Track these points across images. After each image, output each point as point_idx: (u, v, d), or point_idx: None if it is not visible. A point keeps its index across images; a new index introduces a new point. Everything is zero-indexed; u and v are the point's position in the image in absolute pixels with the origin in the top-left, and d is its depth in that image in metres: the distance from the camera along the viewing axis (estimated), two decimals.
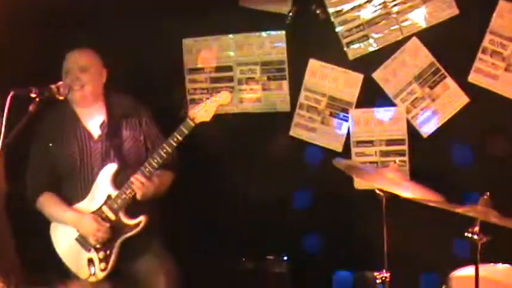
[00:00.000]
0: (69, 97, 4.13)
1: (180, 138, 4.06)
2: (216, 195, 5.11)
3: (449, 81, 4.75)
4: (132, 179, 4.09)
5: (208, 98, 4.19)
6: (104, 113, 4.23)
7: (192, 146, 4.27)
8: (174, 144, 4.09)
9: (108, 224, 4.10)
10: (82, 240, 4.17)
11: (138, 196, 4.10)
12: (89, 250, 4.17)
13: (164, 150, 4.04)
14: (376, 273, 4.07)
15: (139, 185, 4.08)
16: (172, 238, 4.49)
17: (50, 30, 4.78)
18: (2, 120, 3.12)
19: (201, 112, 4.11)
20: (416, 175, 4.78)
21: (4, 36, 4.53)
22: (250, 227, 5.06)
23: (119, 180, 4.25)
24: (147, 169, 4.07)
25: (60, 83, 3.80)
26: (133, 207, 4.21)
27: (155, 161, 4.09)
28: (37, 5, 4.50)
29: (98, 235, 4.09)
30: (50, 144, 4.28)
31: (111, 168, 4.23)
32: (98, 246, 4.17)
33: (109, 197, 4.18)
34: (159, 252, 4.34)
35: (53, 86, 3.70)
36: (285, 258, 4.87)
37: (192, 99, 5.28)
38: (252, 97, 5.13)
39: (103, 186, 4.22)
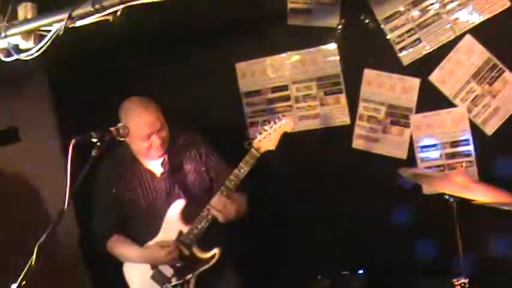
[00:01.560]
0: (143, 153, 4.16)
1: (246, 169, 4.05)
2: (284, 215, 5.10)
3: (508, 75, 4.68)
4: (211, 203, 4.08)
5: (271, 126, 4.15)
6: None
7: (259, 167, 4.22)
8: (242, 175, 4.05)
9: (175, 245, 4.10)
10: (158, 277, 4.20)
11: (221, 219, 4.11)
12: (166, 287, 4.18)
13: (232, 183, 4.04)
14: (454, 280, 3.99)
15: (221, 207, 4.03)
16: (246, 262, 4.47)
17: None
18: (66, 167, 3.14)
19: (266, 141, 4.11)
20: (485, 175, 4.67)
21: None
22: (322, 244, 5.01)
23: (187, 215, 4.26)
24: (224, 192, 4.04)
25: (120, 124, 3.82)
26: (206, 240, 4.19)
27: (229, 185, 4.07)
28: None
29: (169, 258, 4.11)
30: (113, 190, 4.29)
31: (179, 204, 4.26)
32: (174, 282, 4.17)
33: (180, 233, 4.20)
34: (234, 281, 4.34)
35: (112, 129, 3.72)
36: (361, 271, 4.81)
37: (251, 122, 5.25)
38: (311, 113, 5.06)
39: (173, 223, 4.27)
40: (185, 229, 4.22)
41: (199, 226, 4.16)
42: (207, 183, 4.24)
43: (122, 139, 3.79)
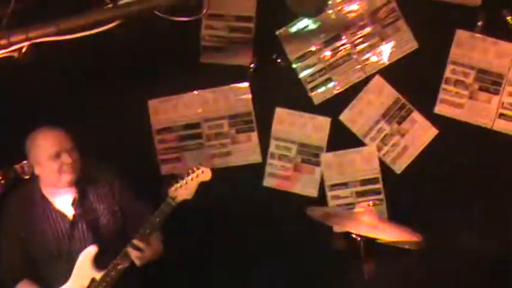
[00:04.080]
0: (50, 180, 3.96)
1: (162, 218, 3.94)
2: (194, 254, 5.01)
3: (416, 115, 4.75)
4: (127, 249, 3.90)
5: (188, 174, 4.04)
6: (73, 189, 3.89)
7: None
8: (157, 224, 3.94)
9: None
10: None
11: (138, 263, 3.92)
12: None
13: (148, 231, 3.92)
14: None
15: (137, 253, 3.89)
16: None
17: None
18: None
19: (182, 190, 4.01)
20: (394, 213, 4.72)
21: None
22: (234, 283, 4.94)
23: (100, 261, 4.05)
24: (139, 238, 3.91)
25: (24, 162, 3.67)
26: (120, 286, 4.00)
27: (145, 233, 3.93)
28: None
29: None
30: (22, 234, 4.07)
31: (90, 251, 4.04)
32: None
33: (93, 280, 4.02)
34: None
35: (17, 166, 3.57)
36: None
37: (162, 159, 5.17)
38: (223, 151, 5.03)
39: (85, 270, 4.03)
40: (98, 276, 4.02)
41: (113, 273, 3.96)
42: (120, 225, 4.02)
43: (26, 177, 3.61)
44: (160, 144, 5.23)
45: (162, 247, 4.19)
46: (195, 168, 4.05)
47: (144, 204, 4.13)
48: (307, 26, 4.87)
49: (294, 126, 4.94)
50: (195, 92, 5.12)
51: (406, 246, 3.75)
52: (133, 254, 3.88)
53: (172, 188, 3.96)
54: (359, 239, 3.99)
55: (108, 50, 4.69)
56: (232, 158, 5.10)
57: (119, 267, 3.95)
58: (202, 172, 4.04)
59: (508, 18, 4.60)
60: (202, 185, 4.23)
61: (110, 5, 3.20)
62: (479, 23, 4.67)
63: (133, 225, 4.05)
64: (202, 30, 4.99)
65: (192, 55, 5.02)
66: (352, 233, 3.98)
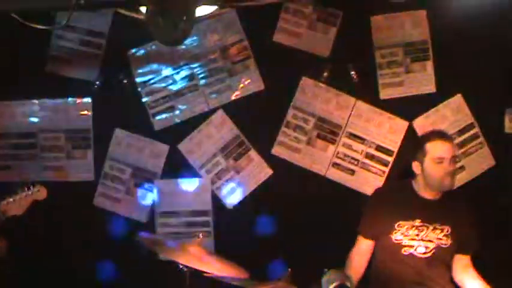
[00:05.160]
0: None
1: None
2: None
3: (253, 153, 4.77)
4: None
5: (23, 191, 3.97)
6: None
7: None
8: None
9: None
10: None
11: None
12: None
13: None
14: None
15: None
16: None
17: None
18: None
19: (14, 205, 3.91)
20: (222, 247, 4.72)
21: None
22: None
23: None
24: None
25: None
26: None
27: None
28: None
29: None
30: None
31: None
32: None
33: None
34: None
35: None
36: None
37: None
38: (56, 165, 4.90)
39: None
40: None
41: None
42: None
43: None
44: None
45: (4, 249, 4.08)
46: (31, 186, 3.94)
47: None
48: (159, 51, 4.81)
49: (131, 148, 4.90)
50: (35, 101, 4.94)
51: (235, 283, 3.73)
52: None
53: (4, 202, 3.82)
54: (185, 269, 3.93)
55: None
56: (64, 173, 4.95)
57: None
58: (38, 190, 3.96)
59: (353, 72, 4.72)
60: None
61: None
62: (325, 74, 4.77)
63: None
64: (53, 39, 4.85)
65: (38, 63, 4.85)
66: (179, 263, 3.93)
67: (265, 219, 4.78)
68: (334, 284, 3.36)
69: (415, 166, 4.13)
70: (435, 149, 4.03)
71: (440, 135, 4.13)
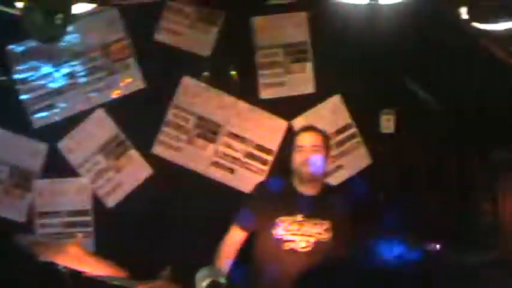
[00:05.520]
0: None
1: None
2: None
3: (133, 152, 4.77)
4: None
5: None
6: None
7: None
8: None
9: None
10: None
11: None
12: None
13: None
14: None
15: None
16: None
17: None
18: None
19: None
20: (103, 247, 4.69)
21: None
22: None
23: None
24: None
25: None
26: None
27: None
28: None
29: None
30: None
31: None
32: None
33: None
34: None
35: None
36: None
37: None
38: None
39: None
40: None
41: None
42: None
43: None
44: None
45: None
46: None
47: None
48: (38, 48, 4.74)
49: (8, 147, 4.79)
50: None
51: (114, 282, 3.71)
52: None
53: None
54: (64, 270, 3.89)
55: None
56: None
57: None
58: None
59: (233, 72, 4.76)
60: None
61: None
62: (206, 73, 4.79)
63: None
64: None
65: None
66: (58, 264, 3.89)
67: (146, 218, 4.73)
68: (207, 281, 3.37)
69: (290, 161, 4.20)
70: (298, 139, 4.13)
71: (305, 127, 4.23)
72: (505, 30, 3.67)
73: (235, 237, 4.19)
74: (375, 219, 4.60)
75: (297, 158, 4.09)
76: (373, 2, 2.87)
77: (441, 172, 4.90)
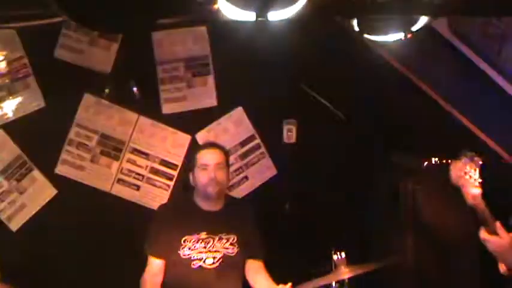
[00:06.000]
0: None
1: None
2: None
3: (36, 173, 4.71)
4: None
5: None
6: None
7: None
8: None
9: None
10: None
11: None
12: None
13: None
14: None
15: None
16: None
17: None
18: None
19: None
20: (6, 270, 4.61)
21: None
22: None
23: None
24: None
25: None
26: None
27: None
28: None
29: None
30: None
31: None
32: None
33: None
34: None
35: None
36: None
37: None
38: None
39: None
40: None
41: None
42: None
43: None
44: None
45: None
46: None
47: None
48: None
49: None
50: None
51: None
52: None
53: None
54: None
55: None
56: None
57: None
58: None
59: (135, 88, 4.75)
60: None
61: None
62: (107, 90, 4.77)
63: None
64: None
65: None
66: None
67: (52, 239, 4.68)
68: None
69: (191, 178, 4.22)
70: (201, 157, 4.15)
71: (207, 144, 4.26)
72: (395, 41, 3.76)
73: (154, 267, 4.17)
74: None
75: (202, 178, 4.11)
76: (260, 19, 2.90)
77: (344, 179, 4.99)
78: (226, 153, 4.35)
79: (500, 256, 3.20)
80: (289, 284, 3.96)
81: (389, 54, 4.58)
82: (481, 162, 3.27)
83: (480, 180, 3.25)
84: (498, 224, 3.24)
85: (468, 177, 3.25)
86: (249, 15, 2.88)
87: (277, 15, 2.92)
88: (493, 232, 3.20)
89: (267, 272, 4.31)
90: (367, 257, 4.21)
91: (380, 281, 4.37)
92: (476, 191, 3.24)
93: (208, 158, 4.18)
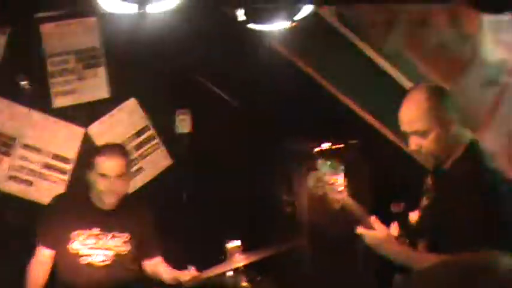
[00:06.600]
0: None
1: None
2: None
3: None
4: None
5: None
6: None
7: None
8: None
9: None
10: None
11: None
12: None
13: None
14: None
15: None
16: None
17: None
18: None
19: None
20: None
21: None
22: None
23: None
24: None
25: None
26: None
27: None
28: None
29: None
30: None
31: None
32: None
33: None
34: None
35: None
36: None
37: None
38: None
39: None
40: None
41: None
42: None
43: None
44: None
45: None
46: None
47: None
48: None
49: None
50: None
51: None
52: None
53: None
54: None
55: None
56: None
57: None
58: None
59: (24, 82, 4.64)
60: None
61: None
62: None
63: None
64: None
65: None
66: None
67: None
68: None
69: (88, 176, 4.16)
70: (100, 164, 4.08)
71: (108, 151, 4.18)
72: (279, 30, 3.82)
73: (42, 258, 4.11)
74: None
75: (99, 185, 4.06)
76: (141, 11, 2.90)
77: (240, 167, 5.04)
78: (127, 157, 4.30)
79: (376, 249, 3.29)
80: (192, 266, 3.97)
81: (278, 42, 4.65)
82: (342, 167, 3.34)
83: (344, 185, 3.33)
84: (373, 218, 3.33)
85: (330, 185, 3.33)
86: (129, 8, 2.86)
87: (157, 7, 2.91)
88: (370, 227, 3.29)
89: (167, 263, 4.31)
90: (264, 245, 4.27)
91: (278, 267, 4.44)
92: (340, 196, 3.33)
93: (108, 168, 4.11)
